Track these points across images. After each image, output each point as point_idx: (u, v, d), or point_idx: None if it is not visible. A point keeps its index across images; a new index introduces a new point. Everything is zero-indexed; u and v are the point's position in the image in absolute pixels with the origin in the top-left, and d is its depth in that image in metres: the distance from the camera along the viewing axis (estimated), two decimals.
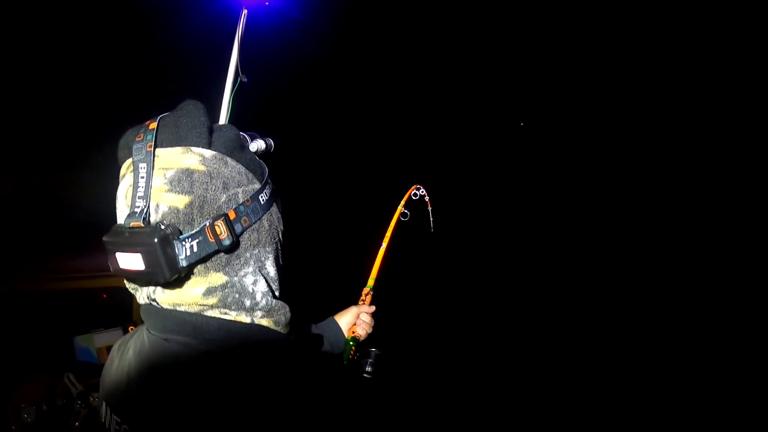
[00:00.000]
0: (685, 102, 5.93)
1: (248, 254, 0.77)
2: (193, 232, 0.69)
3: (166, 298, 0.75)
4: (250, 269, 0.77)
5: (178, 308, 0.75)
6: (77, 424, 2.05)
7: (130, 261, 0.69)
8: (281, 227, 0.85)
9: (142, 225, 0.69)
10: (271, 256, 0.81)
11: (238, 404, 0.66)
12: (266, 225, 0.80)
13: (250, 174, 0.79)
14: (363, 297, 1.59)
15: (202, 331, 0.74)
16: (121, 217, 0.74)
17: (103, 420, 0.82)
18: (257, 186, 0.79)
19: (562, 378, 4.35)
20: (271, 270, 0.81)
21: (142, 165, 0.70)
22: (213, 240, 0.70)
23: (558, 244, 6.70)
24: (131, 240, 0.68)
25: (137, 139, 0.72)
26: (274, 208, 0.83)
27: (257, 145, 0.87)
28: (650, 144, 6.40)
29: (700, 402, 3.60)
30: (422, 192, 1.77)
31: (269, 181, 0.83)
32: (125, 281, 0.78)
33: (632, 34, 5.72)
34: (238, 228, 0.74)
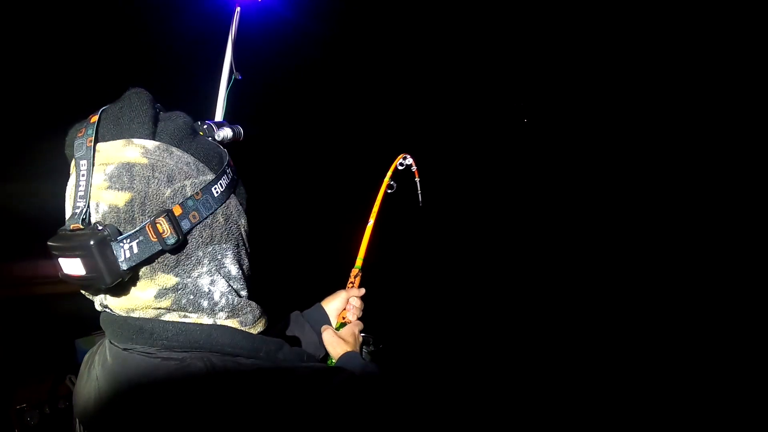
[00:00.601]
0: (689, 98, 5.92)
1: (200, 252, 0.71)
2: (133, 231, 0.64)
3: (117, 304, 0.71)
4: (205, 269, 0.72)
5: (132, 314, 0.71)
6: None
7: (71, 266, 0.65)
8: (243, 221, 0.79)
9: (82, 227, 0.64)
10: (230, 253, 0.75)
11: (204, 414, 0.63)
12: (221, 219, 0.73)
13: (201, 164, 0.72)
14: (352, 279, 1.49)
15: (160, 337, 0.69)
16: (66, 217, 0.69)
17: None
18: (210, 177, 0.72)
19: (558, 363, 4.35)
20: (232, 268, 0.75)
21: (83, 162, 0.66)
22: (155, 239, 0.64)
23: (557, 223, 6.63)
24: (71, 244, 0.64)
25: (78, 135, 0.68)
26: (233, 200, 0.76)
27: (224, 133, 0.82)
28: (652, 139, 6.39)
29: (700, 402, 3.58)
30: (409, 161, 1.67)
31: (228, 170, 0.76)
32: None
33: (638, 33, 5.71)
34: (185, 224, 0.67)
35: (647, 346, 4.41)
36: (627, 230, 6.17)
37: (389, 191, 1.65)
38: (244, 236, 0.79)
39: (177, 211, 0.67)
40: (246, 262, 0.80)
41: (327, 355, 1.25)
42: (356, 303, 1.41)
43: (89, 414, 0.76)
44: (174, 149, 0.69)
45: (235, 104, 1.72)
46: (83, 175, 0.65)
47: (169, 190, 0.67)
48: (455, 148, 6.63)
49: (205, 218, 0.70)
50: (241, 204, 0.79)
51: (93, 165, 0.66)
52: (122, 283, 0.66)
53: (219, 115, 1.61)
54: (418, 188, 1.71)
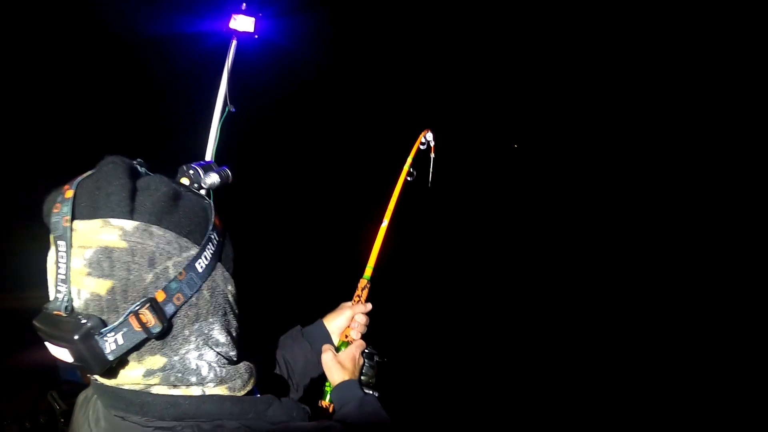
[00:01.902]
0: (681, 112, 6.06)
1: (187, 332, 0.70)
2: (116, 324, 0.63)
3: (106, 381, 0.71)
4: (192, 345, 0.71)
5: (122, 387, 0.71)
6: None
7: (59, 352, 0.64)
8: (230, 287, 0.77)
9: (64, 315, 0.63)
10: (217, 325, 0.74)
11: None
12: (207, 295, 0.72)
13: (184, 240, 0.69)
14: (359, 292, 1.37)
15: (150, 409, 0.71)
16: (50, 295, 0.68)
17: None
18: (193, 252, 0.70)
19: (566, 369, 4.33)
20: (220, 337, 0.75)
21: (61, 243, 0.63)
22: (140, 329, 0.64)
23: (563, 227, 6.58)
24: (55, 332, 0.63)
25: (54, 211, 0.65)
26: (219, 270, 0.74)
27: (211, 180, 0.81)
28: (652, 138, 6.47)
29: (700, 402, 3.60)
30: (430, 138, 1.52)
31: (213, 236, 0.73)
32: None
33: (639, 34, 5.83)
34: (170, 309, 0.66)
35: (647, 346, 4.42)
36: (629, 229, 6.19)
37: (409, 179, 1.49)
38: (231, 301, 0.78)
39: (160, 297, 0.65)
40: (234, 324, 0.79)
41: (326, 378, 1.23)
42: (361, 320, 1.32)
43: None
44: (154, 229, 0.66)
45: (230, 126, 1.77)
46: (62, 258, 0.64)
47: (150, 275, 0.65)
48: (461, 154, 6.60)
49: (190, 297, 0.69)
50: (228, 269, 0.77)
51: (71, 246, 0.63)
52: (109, 370, 0.67)
53: (210, 149, 1.63)
54: (431, 165, 1.54)
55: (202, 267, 0.70)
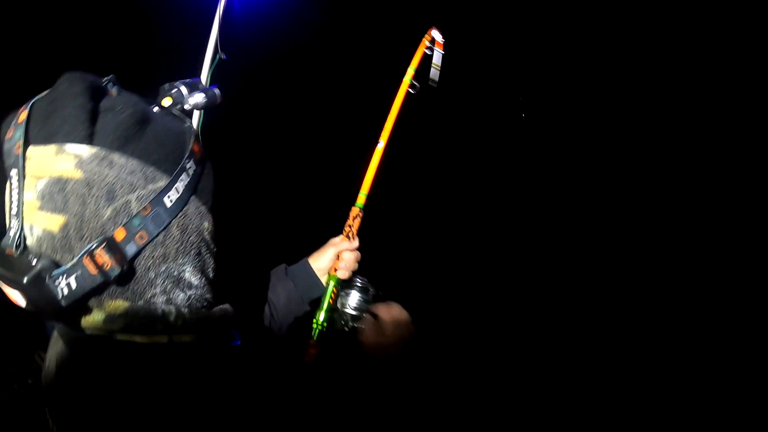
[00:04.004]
0: (689, 92, 5.97)
1: (152, 274, 0.63)
2: (68, 266, 0.56)
3: (66, 324, 0.66)
4: (158, 289, 0.64)
5: (84, 330, 0.64)
6: None
7: (11, 295, 0.59)
8: (207, 223, 0.69)
9: (16, 254, 0.57)
10: (188, 266, 0.66)
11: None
12: (176, 233, 0.64)
13: (151, 169, 0.61)
14: (350, 222, 1.29)
15: (108, 355, 0.64)
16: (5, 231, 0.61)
17: (50, 425, 0.75)
18: (162, 183, 0.62)
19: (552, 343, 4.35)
20: (193, 279, 0.67)
21: (13, 171, 0.57)
22: (96, 272, 0.57)
23: (557, 215, 6.55)
24: (6, 273, 0.56)
25: (7, 136, 0.58)
26: (192, 205, 0.66)
27: (195, 100, 0.74)
28: (653, 137, 6.40)
29: (700, 402, 3.61)
30: (438, 37, 1.33)
31: (188, 165, 0.64)
32: None
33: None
34: (131, 249, 0.59)
35: (647, 345, 4.39)
36: (627, 226, 6.19)
37: (412, 91, 1.33)
38: (207, 239, 0.69)
39: (120, 235, 0.58)
40: (211, 264, 0.71)
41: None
42: (349, 257, 1.26)
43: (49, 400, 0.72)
44: (115, 155, 0.59)
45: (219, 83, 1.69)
46: (15, 189, 0.57)
47: (109, 210, 0.58)
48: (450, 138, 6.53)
49: (156, 236, 0.61)
50: (205, 203, 0.68)
51: (24, 177, 0.57)
52: (68, 310, 0.60)
53: None
54: (439, 63, 1.34)
55: (171, 201, 0.61)
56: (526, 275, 5.23)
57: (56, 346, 0.75)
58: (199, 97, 0.73)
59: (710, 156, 6.05)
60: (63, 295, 0.57)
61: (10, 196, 0.58)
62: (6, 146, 0.58)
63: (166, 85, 0.72)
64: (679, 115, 6.23)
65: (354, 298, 1.22)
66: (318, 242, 1.30)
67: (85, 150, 0.57)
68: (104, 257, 0.57)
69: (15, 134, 0.58)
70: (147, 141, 0.61)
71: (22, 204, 0.57)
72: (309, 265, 1.26)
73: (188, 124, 0.69)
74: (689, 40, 5.75)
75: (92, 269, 0.57)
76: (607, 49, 6.19)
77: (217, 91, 0.76)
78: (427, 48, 1.35)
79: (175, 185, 0.62)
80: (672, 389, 3.82)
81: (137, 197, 0.59)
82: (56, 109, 0.58)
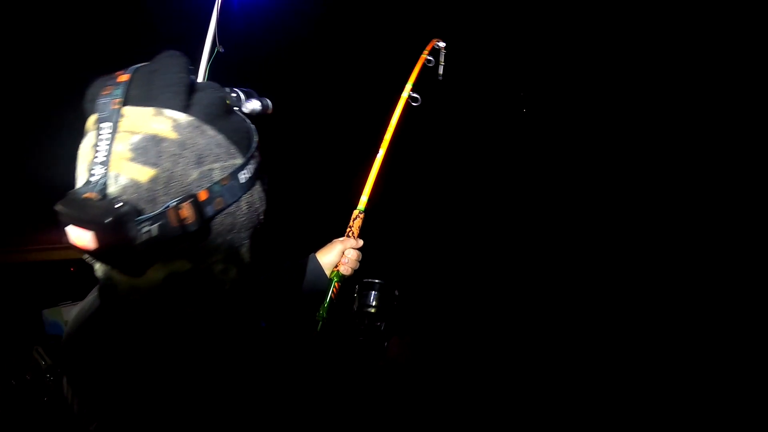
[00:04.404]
0: (691, 90, 5.94)
1: (219, 240, 0.68)
2: (154, 213, 0.60)
3: (122, 278, 0.67)
4: (221, 256, 0.69)
5: (133, 293, 0.68)
6: (47, 398, 2.03)
7: (81, 237, 0.60)
8: (263, 210, 0.75)
9: (97, 198, 0.60)
10: (247, 242, 0.73)
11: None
12: (244, 208, 0.70)
13: (233, 147, 0.68)
14: (351, 223, 1.34)
15: (154, 326, 0.68)
16: (79, 181, 0.65)
17: (66, 395, 0.77)
18: (239, 161, 0.68)
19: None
20: (246, 256, 0.74)
21: (106, 124, 0.61)
22: (177, 224, 0.61)
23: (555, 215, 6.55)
24: (83, 214, 0.59)
25: (103, 93, 0.63)
26: (258, 188, 0.72)
27: (252, 105, 0.78)
28: (653, 136, 6.37)
29: (700, 402, 3.60)
30: (441, 45, 1.36)
31: (256, 154, 0.72)
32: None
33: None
34: (209, 211, 0.64)
35: (647, 345, 4.38)
36: (628, 223, 6.17)
37: (413, 104, 1.36)
38: (262, 222, 0.76)
39: (203, 196, 0.63)
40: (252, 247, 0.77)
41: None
42: (352, 255, 1.31)
43: (81, 382, 0.74)
44: (206, 127, 0.65)
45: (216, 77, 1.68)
46: (104, 140, 0.61)
47: (196, 173, 0.63)
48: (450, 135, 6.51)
49: (230, 205, 0.67)
50: (264, 190, 0.74)
51: (117, 131, 0.61)
52: (135, 262, 0.62)
53: None
54: (441, 62, 1.37)
55: (244, 178, 0.68)
56: (526, 273, 5.23)
57: (91, 309, 0.78)
58: (255, 104, 0.77)
59: (714, 148, 6.01)
60: (142, 240, 0.59)
61: (96, 146, 0.61)
62: (101, 101, 0.62)
63: (226, 89, 0.76)
64: (681, 114, 6.19)
65: (373, 298, 1.27)
66: (320, 243, 1.33)
67: (182, 117, 0.63)
68: (188, 212, 0.61)
69: (114, 91, 0.62)
70: (230, 123, 0.68)
71: (111, 154, 0.61)
72: (316, 259, 1.31)
73: (250, 122, 0.75)
74: (690, 36, 5.72)
75: (174, 221, 0.61)
76: (608, 45, 6.16)
77: (270, 102, 0.80)
78: (428, 61, 1.38)
79: (248, 166, 0.69)
80: (672, 389, 3.83)
81: (220, 167, 0.65)
82: (158, 78, 0.63)
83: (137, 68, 0.65)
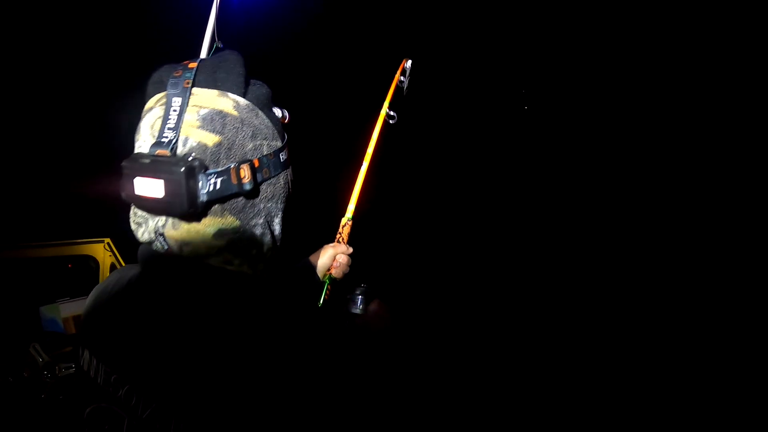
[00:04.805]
0: (688, 89, 5.92)
1: (262, 205, 0.80)
2: (219, 170, 0.72)
3: (175, 233, 0.75)
4: (261, 221, 0.80)
5: (184, 248, 0.76)
6: (44, 395, 2.02)
7: (149, 187, 0.69)
8: (292, 189, 0.87)
9: (169, 154, 0.70)
10: (280, 213, 0.84)
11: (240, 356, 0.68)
12: (282, 182, 0.83)
13: (276, 131, 0.82)
14: (340, 230, 1.41)
15: (202, 280, 0.75)
16: (144, 147, 0.74)
17: (86, 368, 0.82)
18: (280, 144, 0.82)
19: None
20: (277, 227, 0.84)
21: (177, 99, 0.72)
22: (236, 182, 0.73)
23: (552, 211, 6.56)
24: (154, 166, 0.69)
25: (175, 74, 0.74)
26: (289, 170, 0.86)
27: (278, 112, 0.87)
28: (653, 136, 6.35)
29: (700, 402, 3.59)
30: (409, 65, 1.45)
31: (287, 145, 0.85)
32: (132, 215, 0.79)
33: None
34: (259, 177, 0.77)
35: (646, 344, 4.36)
36: (628, 222, 6.16)
37: (390, 122, 1.45)
38: (290, 201, 0.87)
39: (256, 163, 0.76)
40: (284, 227, 0.87)
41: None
42: (343, 260, 1.37)
43: (110, 346, 0.79)
44: (259, 111, 0.79)
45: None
46: (175, 111, 0.71)
47: (251, 144, 0.76)
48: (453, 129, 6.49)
49: (272, 177, 0.80)
50: (293, 175, 0.88)
51: (187, 104, 0.72)
52: (193, 215, 0.72)
53: None
54: (406, 76, 1.47)
55: (283, 158, 0.82)
56: (526, 271, 5.23)
57: (124, 281, 0.84)
58: (278, 112, 0.86)
59: (714, 144, 5.99)
60: (208, 191, 0.70)
61: (166, 116, 0.72)
62: (172, 80, 0.74)
63: None
64: (682, 113, 6.18)
65: (359, 302, 1.31)
66: (311, 248, 1.40)
67: (242, 100, 0.77)
68: (245, 173, 0.73)
69: (184, 74, 0.74)
70: (273, 114, 0.82)
71: (182, 121, 0.71)
72: (310, 262, 1.38)
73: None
74: (691, 33, 5.70)
75: (234, 179, 0.73)
76: (609, 42, 6.14)
77: (287, 113, 0.88)
78: (400, 81, 1.46)
79: (285, 150, 0.83)
80: (671, 388, 3.82)
81: (267, 145, 0.79)
82: (222, 68, 0.77)
83: (203, 59, 0.78)
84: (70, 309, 2.49)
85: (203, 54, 1.67)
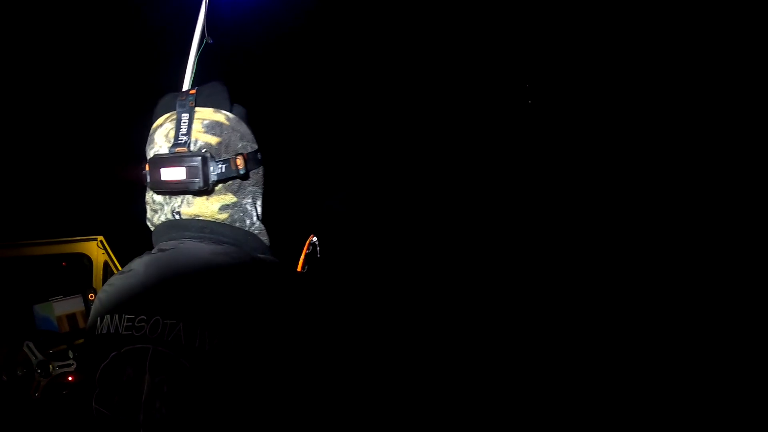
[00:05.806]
0: (689, 88, 5.91)
1: (249, 189, 1.05)
2: (224, 158, 0.99)
3: (189, 210, 1.01)
4: (249, 200, 1.06)
5: (198, 218, 1.01)
6: (37, 394, 2.01)
7: (173, 173, 0.95)
8: (267, 180, 1.10)
9: (186, 150, 0.96)
10: (260, 196, 1.09)
11: (264, 292, 0.90)
12: (260, 174, 1.08)
13: (253, 137, 1.07)
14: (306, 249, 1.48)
15: (217, 233, 1.00)
16: (162, 149, 0.99)
17: (103, 331, 0.95)
18: (256, 147, 1.07)
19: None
20: (259, 207, 1.09)
21: (185, 114, 0.99)
22: (234, 168, 0.99)
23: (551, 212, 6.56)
24: (177, 159, 0.95)
25: (181, 99, 1.02)
26: (264, 166, 1.08)
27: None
28: (654, 135, 6.34)
29: (701, 402, 3.60)
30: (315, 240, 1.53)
31: (261, 149, 1.09)
32: (150, 203, 1.04)
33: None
34: (248, 166, 1.02)
35: (646, 344, 4.37)
36: (629, 221, 6.14)
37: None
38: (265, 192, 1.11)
39: (245, 156, 1.01)
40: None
41: None
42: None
43: (140, 297, 0.95)
44: (243, 122, 1.05)
45: (204, 69, 1.67)
46: (185, 122, 0.99)
47: (240, 144, 1.03)
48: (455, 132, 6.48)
49: (255, 168, 1.05)
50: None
51: (193, 118, 0.99)
52: (203, 193, 0.98)
53: (188, 79, 1.58)
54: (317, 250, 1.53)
55: (260, 157, 1.06)
56: (526, 271, 5.24)
57: (135, 265, 1.01)
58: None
59: (717, 139, 5.98)
60: (217, 173, 0.97)
61: (178, 126, 0.98)
62: (179, 102, 1.00)
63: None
64: (683, 111, 6.17)
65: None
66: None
67: (230, 114, 1.03)
68: (240, 162, 0.99)
69: (188, 98, 1.01)
70: (249, 125, 1.06)
71: (191, 129, 0.98)
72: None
73: None
74: (692, 30, 5.69)
75: (233, 166, 0.98)
76: (612, 38, 6.13)
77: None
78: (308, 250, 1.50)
79: (260, 151, 1.07)
80: (670, 388, 3.82)
81: (250, 145, 1.05)
82: (215, 93, 1.03)
83: (198, 88, 1.05)
84: (64, 307, 2.49)
85: (193, 49, 1.67)
